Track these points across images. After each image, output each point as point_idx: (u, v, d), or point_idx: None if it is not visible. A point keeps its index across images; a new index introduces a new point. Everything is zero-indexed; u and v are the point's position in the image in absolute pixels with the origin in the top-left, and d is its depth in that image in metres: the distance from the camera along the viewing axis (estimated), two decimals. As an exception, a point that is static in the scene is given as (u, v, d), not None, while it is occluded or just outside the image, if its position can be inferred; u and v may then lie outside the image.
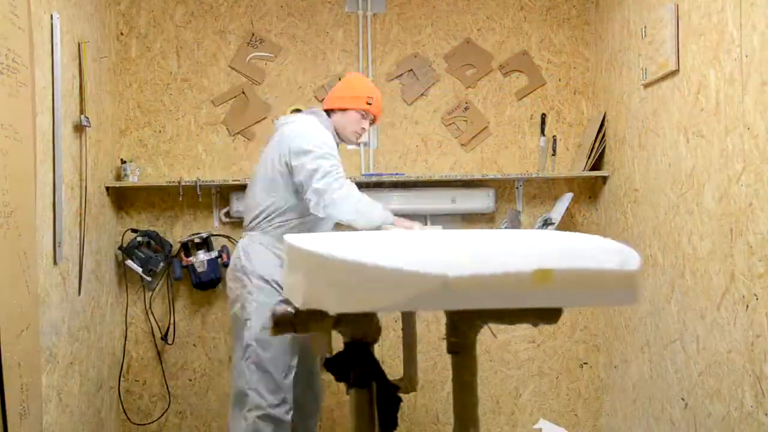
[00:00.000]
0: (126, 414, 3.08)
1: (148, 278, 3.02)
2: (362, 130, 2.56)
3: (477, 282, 1.04)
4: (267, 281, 2.39)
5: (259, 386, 2.34)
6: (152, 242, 3.01)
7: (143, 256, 2.97)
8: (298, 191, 2.38)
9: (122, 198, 3.11)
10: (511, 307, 1.20)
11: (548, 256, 1.14)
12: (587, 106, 3.25)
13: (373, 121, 2.59)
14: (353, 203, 2.31)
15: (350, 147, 3.06)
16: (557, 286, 1.07)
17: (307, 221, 2.44)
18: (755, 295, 1.93)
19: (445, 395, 3.20)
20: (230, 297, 2.48)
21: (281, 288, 2.30)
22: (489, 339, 3.18)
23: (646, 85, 2.63)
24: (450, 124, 3.21)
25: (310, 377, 2.61)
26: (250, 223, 2.47)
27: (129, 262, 2.97)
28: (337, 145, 2.49)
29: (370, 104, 2.53)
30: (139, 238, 2.99)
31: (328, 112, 2.55)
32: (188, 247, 3.02)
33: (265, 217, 2.43)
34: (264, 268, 2.39)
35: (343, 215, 2.33)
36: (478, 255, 1.16)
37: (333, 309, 1.19)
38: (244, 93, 3.14)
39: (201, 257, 2.99)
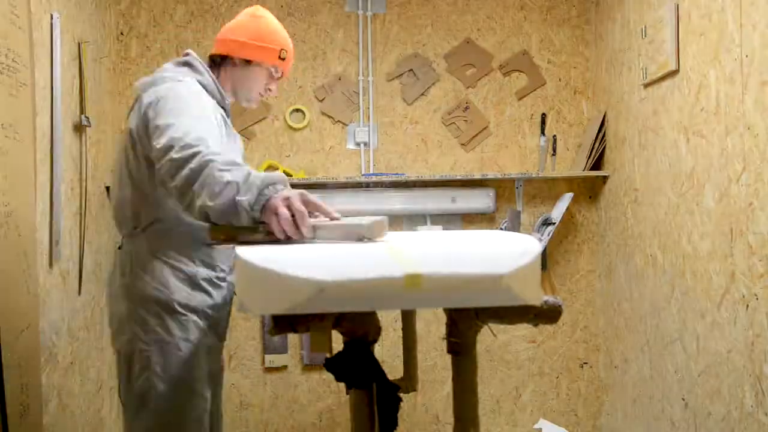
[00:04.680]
0: (126, 414, 3.07)
1: (148, 278, 3.00)
2: (268, 92, 1.97)
3: (351, 287, 1.09)
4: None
5: None
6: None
7: (143, 256, 2.96)
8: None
9: (122, 198, 3.10)
10: (386, 309, 1.26)
11: (420, 261, 1.17)
12: (587, 106, 3.25)
13: (280, 76, 1.97)
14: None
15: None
16: (428, 290, 1.11)
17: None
18: (755, 295, 1.93)
19: (445, 395, 3.20)
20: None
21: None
22: (489, 339, 3.18)
23: (646, 85, 2.63)
24: (450, 124, 3.21)
25: None
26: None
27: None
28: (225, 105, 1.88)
29: (283, 59, 1.93)
30: (139, 238, 2.98)
31: (221, 58, 1.91)
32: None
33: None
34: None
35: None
36: (353, 260, 1.20)
37: (254, 312, 1.24)
38: (244, 93, 3.13)
39: (201, 257, 2.97)
